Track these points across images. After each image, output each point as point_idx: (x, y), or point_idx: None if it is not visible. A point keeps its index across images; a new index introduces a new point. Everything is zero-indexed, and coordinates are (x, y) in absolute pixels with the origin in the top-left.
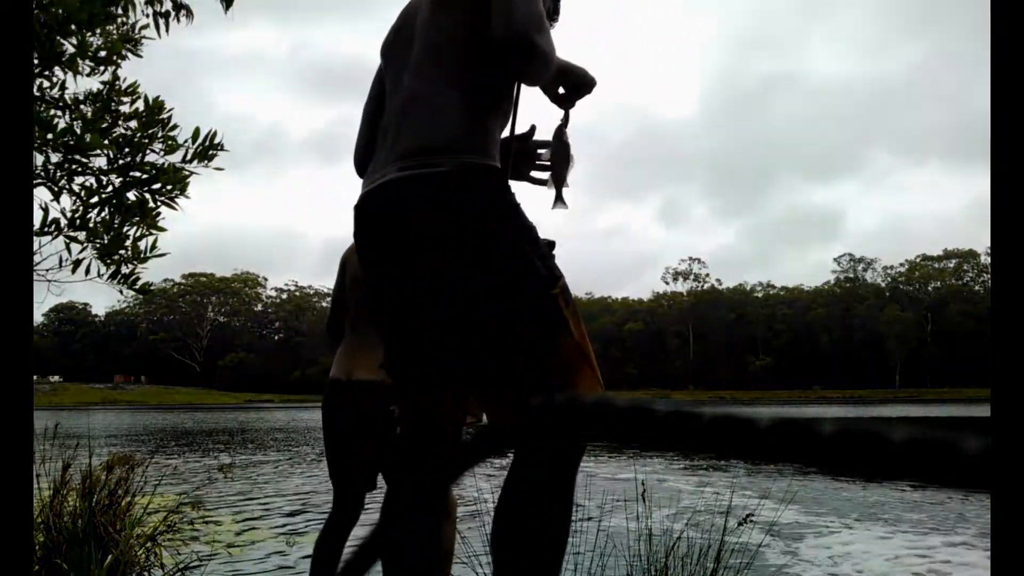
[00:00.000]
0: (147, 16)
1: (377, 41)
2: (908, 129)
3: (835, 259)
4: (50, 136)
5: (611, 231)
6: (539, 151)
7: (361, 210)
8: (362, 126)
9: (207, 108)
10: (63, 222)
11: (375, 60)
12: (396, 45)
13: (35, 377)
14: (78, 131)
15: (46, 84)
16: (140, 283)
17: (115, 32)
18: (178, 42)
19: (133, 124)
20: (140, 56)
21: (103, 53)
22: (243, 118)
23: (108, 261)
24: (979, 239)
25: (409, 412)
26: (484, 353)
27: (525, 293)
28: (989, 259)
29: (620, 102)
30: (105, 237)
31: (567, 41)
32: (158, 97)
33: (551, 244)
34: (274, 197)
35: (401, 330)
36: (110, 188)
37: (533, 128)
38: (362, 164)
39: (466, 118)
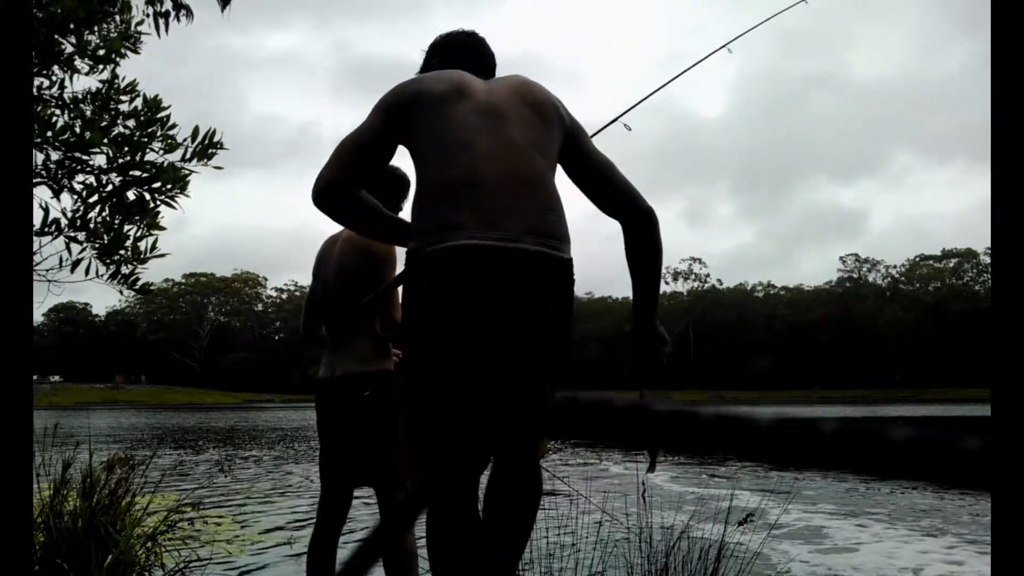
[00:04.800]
0: (147, 16)
1: (412, 40)
2: (945, 129)
3: (840, 258)
4: (49, 134)
5: None
6: None
7: (494, 261)
8: (365, 160)
9: (241, 107)
10: (63, 222)
11: (408, 61)
12: (465, 101)
13: (35, 377)
14: (77, 130)
15: (45, 83)
16: (140, 283)
17: (114, 31)
18: (217, 41)
19: (132, 123)
20: (139, 54)
21: (102, 52)
22: (276, 118)
23: (108, 261)
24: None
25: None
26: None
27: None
28: (989, 259)
29: (655, 101)
30: (105, 237)
31: (607, 36)
32: (156, 96)
33: None
34: (295, 196)
35: (499, 346)
36: (110, 187)
37: None
38: (345, 193)
39: (563, 218)
